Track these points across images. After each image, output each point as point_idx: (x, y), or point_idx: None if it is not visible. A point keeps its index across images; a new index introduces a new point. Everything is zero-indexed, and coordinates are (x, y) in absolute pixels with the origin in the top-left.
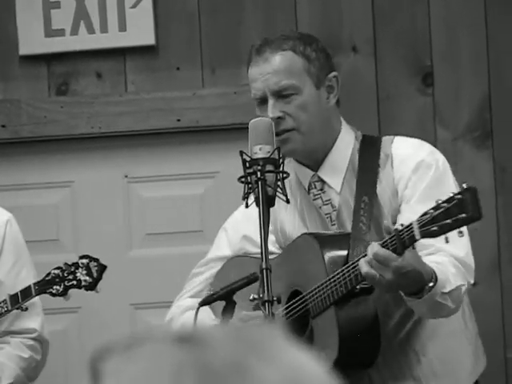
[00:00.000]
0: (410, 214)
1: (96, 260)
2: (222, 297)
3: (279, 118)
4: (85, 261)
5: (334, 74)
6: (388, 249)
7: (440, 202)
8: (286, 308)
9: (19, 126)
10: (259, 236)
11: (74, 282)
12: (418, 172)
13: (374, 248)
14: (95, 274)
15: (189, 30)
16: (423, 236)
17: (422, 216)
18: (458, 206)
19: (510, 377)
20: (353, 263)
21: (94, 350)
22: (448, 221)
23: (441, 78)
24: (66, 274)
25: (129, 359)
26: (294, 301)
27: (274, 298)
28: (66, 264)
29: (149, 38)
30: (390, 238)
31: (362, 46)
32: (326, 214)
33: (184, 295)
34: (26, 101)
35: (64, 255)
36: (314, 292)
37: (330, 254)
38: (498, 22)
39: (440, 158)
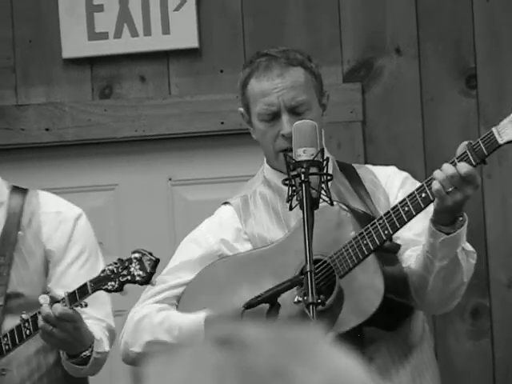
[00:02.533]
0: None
1: (149, 253)
2: (267, 299)
3: None
4: (138, 255)
5: (327, 92)
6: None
7: None
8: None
9: (63, 129)
10: (235, 241)
11: (129, 277)
12: (405, 185)
13: (463, 168)
14: (148, 269)
15: (232, 32)
16: (507, 141)
17: (503, 120)
18: None
19: None
20: (393, 208)
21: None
22: None
23: (485, 79)
24: (120, 270)
25: (170, 362)
26: (316, 266)
27: (319, 301)
28: (119, 259)
29: (192, 41)
30: (459, 156)
31: (406, 48)
32: None
33: (149, 299)
34: (70, 104)
35: (108, 258)
36: (343, 250)
37: (358, 219)
38: None
39: (418, 182)
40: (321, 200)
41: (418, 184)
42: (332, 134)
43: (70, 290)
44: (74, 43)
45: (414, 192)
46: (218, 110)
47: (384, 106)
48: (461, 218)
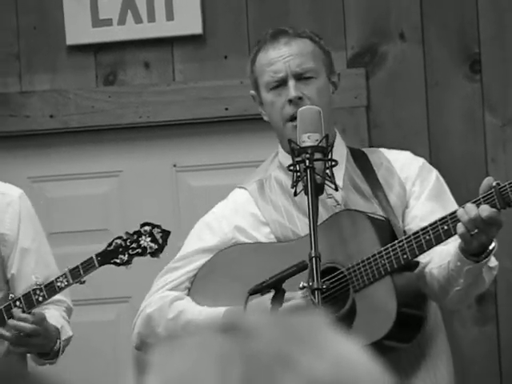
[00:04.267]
0: (420, 209)
1: (159, 226)
2: (272, 285)
3: (300, 98)
4: (147, 228)
5: (338, 72)
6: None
7: None
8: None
9: (67, 116)
10: (251, 227)
11: (139, 250)
12: (422, 173)
13: (484, 211)
14: (160, 240)
15: (236, 19)
16: None
17: None
18: None
19: None
20: (414, 233)
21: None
22: None
23: (489, 64)
24: (129, 243)
25: (174, 350)
26: (331, 276)
27: (324, 287)
28: (127, 233)
29: (196, 27)
30: (485, 196)
31: (410, 34)
32: (333, 206)
33: (162, 289)
34: (74, 91)
35: None
36: (360, 265)
37: (377, 229)
38: None
39: (433, 168)
40: (331, 202)
41: (435, 171)
42: (337, 119)
43: (71, 266)
44: (78, 30)
45: (436, 222)
46: (222, 96)
47: (388, 92)
48: (490, 247)
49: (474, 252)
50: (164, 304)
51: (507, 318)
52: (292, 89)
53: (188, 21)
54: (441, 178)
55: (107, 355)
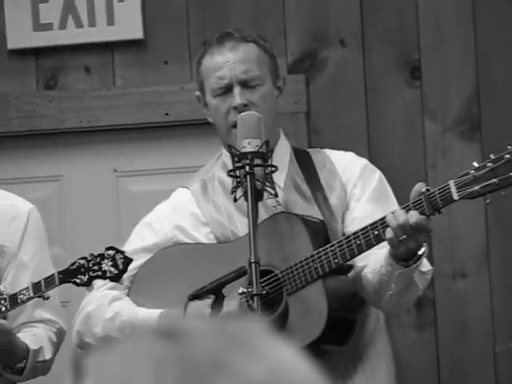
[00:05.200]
0: (360, 211)
1: (122, 252)
2: (211, 290)
3: (245, 105)
4: (111, 252)
5: (283, 76)
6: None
7: (483, 162)
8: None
9: (8, 120)
10: (191, 227)
11: (99, 273)
12: (364, 174)
13: (412, 217)
14: (121, 266)
15: (177, 24)
16: (462, 197)
17: (461, 177)
18: (507, 164)
19: (498, 371)
20: (346, 238)
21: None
22: (494, 180)
23: (429, 71)
24: (91, 265)
25: (110, 355)
26: (265, 278)
27: (263, 292)
28: (91, 254)
29: (137, 32)
30: (414, 202)
31: (350, 40)
32: (273, 207)
33: (102, 287)
34: (15, 95)
35: (52, 249)
36: (293, 268)
37: (312, 232)
38: (485, 15)
39: (377, 169)
40: (271, 203)
41: (378, 172)
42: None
43: (36, 280)
44: (19, 34)
45: (367, 227)
46: (163, 101)
47: (328, 98)
48: (420, 252)
49: (403, 257)
50: (103, 303)
51: (446, 323)
52: (237, 96)
53: (129, 26)
54: (384, 180)
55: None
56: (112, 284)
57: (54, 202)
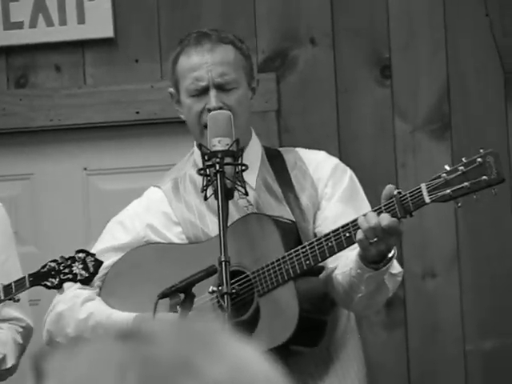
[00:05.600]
0: (331, 211)
1: (93, 255)
2: (181, 289)
3: (220, 108)
4: (81, 255)
5: (257, 77)
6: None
7: (455, 166)
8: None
9: None
10: (163, 226)
11: (70, 276)
12: (335, 174)
13: (384, 220)
14: (92, 269)
15: (147, 23)
16: (433, 200)
17: (433, 180)
18: (479, 168)
19: (468, 369)
20: (317, 239)
21: (37, 349)
22: (465, 184)
23: (399, 70)
24: (62, 268)
25: (72, 357)
26: (237, 279)
27: (233, 291)
28: (62, 257)
29: (107, 31)
30: (386, 205)
31: (320, 39)
32: (244, 207)
33: (73, 286)
34: None
35: (23, 248)
36: (265, 269)
37: (283, 233)
38: (456, 14)
39: (348, 168)
40: (243, 203)
41: (349, 172)
42: None
43: (6, 283)
44: None
45: (339, 229)
46: (133, 99)
47: (299, 96)
48: (390, 255)
49: (372, 260)
50: (75, 304)
51: (416, 323)
52: (213, 99)
53: (99, 24)
54: (355, 179)
55: None
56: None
57: (25, 200)
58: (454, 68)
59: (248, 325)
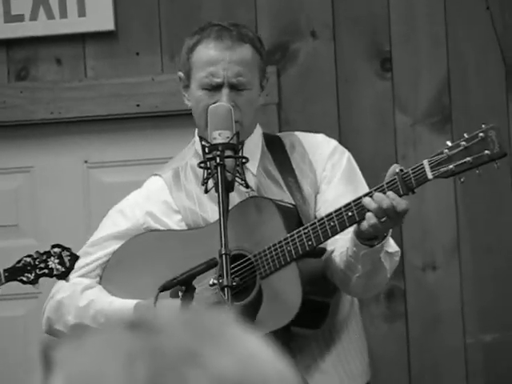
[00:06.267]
0: (331, 193)
1: (68, 249)
2: (182, 282)
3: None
4: (57, 250)
5: (268, 75)
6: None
7: (457, 141)
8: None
9: None
10: (163, 214)
11: (46, 271)
12: (334, 156)
13: (401, 205)
14: (68, 264)
15: (148, 16)
16: (436, 176)
17: (435, 156)
18: (481, 143)
19: (469, 362)
20: (319, 220)
21: (45, 339)
22: (468, 159)
23: (399, 62)
24: (37, 262)
25: (80, 347)
26: (238, 262)
27: (234, 283)
28: (37, 252)
29: (108, 24)
30: (388, 182)
31: (321, 31)
32: (246, 193)
33: (73, 274)
34: None
35: (23, 241)
36: (266, 251)
37: (284, 215)
38: (457, 7)
39: (346, 150)
40: (244, 189)
41: (347, 153)
42: None
43: None
44: None
45: (341, 208)
46: (134, 92)
47: (299, 89)
48: (385, 233)
49: (368, 236)
50: (75, 291)
51: (416, 315)
52: (224, 97)
53: (100, 17)
54: (352, 161)
55: (16, 352)
56: (83, 271)
57: (26, 193)
58: (454, 61)
59: (251, 307)
